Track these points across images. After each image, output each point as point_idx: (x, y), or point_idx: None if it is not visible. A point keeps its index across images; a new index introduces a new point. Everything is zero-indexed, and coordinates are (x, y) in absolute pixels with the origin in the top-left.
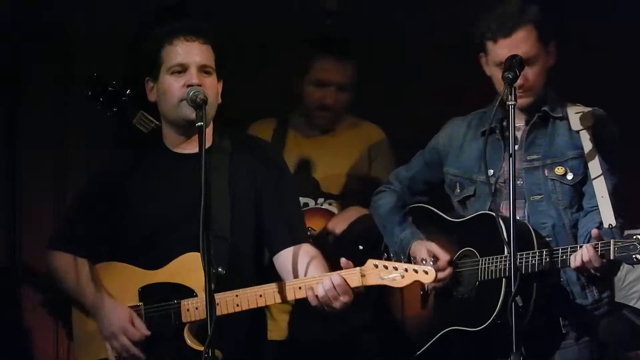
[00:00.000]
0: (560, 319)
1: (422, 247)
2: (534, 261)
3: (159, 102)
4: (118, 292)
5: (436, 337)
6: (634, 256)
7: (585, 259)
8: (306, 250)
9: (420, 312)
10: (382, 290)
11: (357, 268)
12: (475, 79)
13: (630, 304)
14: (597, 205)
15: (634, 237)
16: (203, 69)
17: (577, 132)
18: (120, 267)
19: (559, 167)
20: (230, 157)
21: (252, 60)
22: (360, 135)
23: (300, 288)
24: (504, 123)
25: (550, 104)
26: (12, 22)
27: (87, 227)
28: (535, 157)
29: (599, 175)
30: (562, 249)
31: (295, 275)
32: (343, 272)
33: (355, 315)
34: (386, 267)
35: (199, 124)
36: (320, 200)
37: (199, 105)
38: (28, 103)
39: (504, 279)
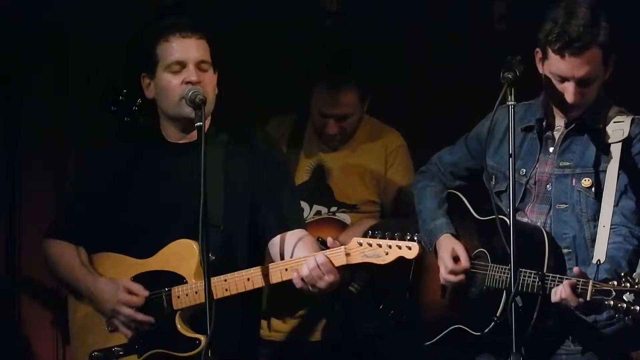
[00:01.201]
0: (570, 338)
1: (448, 246)
2: (529, 281)
3: (157, 99)
4: None
5: (444, 332)
6: (606, 302)
7: (563, 296)
8: (294, 232)
9: (439, 301)
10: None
11: (342, 247)
12: (475, 78)
13: None
14: (617, 224)
15: (610, 282)
16: (200, 65)
17: (610, 144)
18: (114, 257)
19: (586, 179)
20: (226, 147)
21: (252, 61)
22: (377, 144)
23: (286, 270)
24: (544, 123)
25: (592, 112)
26: (12, 22)
27: (83, 217)
28: (567, 164)
29: (610, 199)
30: (558, 277)
31: (282, 256)
32: (327, 252)
33: (374, 322)
34: (370, 245)
35: (199, 124)
36: (334, 208)
37: (197, 105)
38: (28, 103)
39: (504, 292)
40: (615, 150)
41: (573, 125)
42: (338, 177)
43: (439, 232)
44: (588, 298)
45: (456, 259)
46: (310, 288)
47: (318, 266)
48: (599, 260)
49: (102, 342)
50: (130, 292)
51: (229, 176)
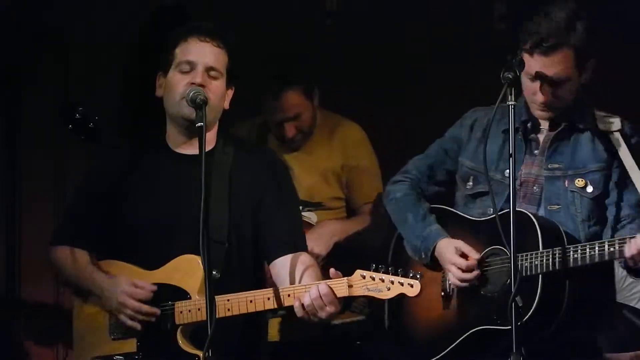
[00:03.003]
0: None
1: (450, 246)
2: (575, 255)
3: (164, 98)
4: None
5: (464, 336)
6: None
7: None
8: (302, 260)
9: (442, 314)
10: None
11: (345, 278)
12: (475, 78)
13: (631, 305)
14: (627, 216)
15: None
16: (210, 71)
17: (607, 134)
18: (119, 266)
19: (580, 179)
20: (232, 162)
21: (252, 60)
22: (334, 139)
23: (289, 295)
24: (528, 125)
25: (578, 114)
26: (12, 22)
27: (87, 224)
28: (557, 166)
29: (638, 176)
30: (608, 242)
31: (291, 284)
32: (330, 282)
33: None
34: (373, 279)
35: (199, 124)
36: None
37: (198, 105)
38: (28, 103)
39: (540, 276)
40: (616, 139)
41: (561, 128)
42: (301, 176)
43: (435, 236)
44: None
45: (464, 256)
46: (311, 317)
47: (320, 296)
48: None
49: (105, 350)
50: (136, 286)
51: (234, 193)
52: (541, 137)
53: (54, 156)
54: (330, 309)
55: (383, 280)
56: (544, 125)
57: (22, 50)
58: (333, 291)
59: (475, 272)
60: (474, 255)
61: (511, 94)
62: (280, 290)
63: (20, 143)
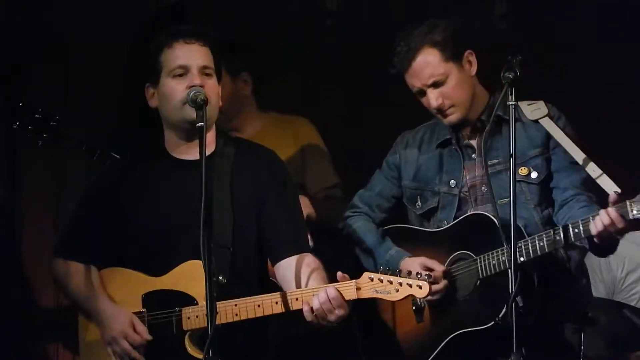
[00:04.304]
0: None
1: (414, 263)
2: (541, 243)
3: (160, 107)
4: (122, 298)
5: (443, 343)
6: None
7: (607, 221)
8: (308, 262)
9: (416, 327)
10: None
11: (353, 281)
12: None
13: (631, 305)
14: (574, 195)
15: None
16: (204, 71)
17: (537, 120)
18: (124, 273)
19: (523, 168)
20: (232, 164)
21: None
22: (288, 130)
23: (297, 299)
24: (460, 133)
25: (502, 107)
26: (11, 22)
27: (89, 234)
28: (495, 161)
29: (580, 155)
30: (571, 224)
31: (298, 286)
32: (338, 285)
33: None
34: (381, 281)
35: (200, 124)
36: None
37: (199, 105)
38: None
39: (509, 270)
40: (548, 123)
41: (490, 125)
42: None
43: (398, 258)
44: (631, 216)
45: (429, 269)
46: (320, 321)
47: (329, 300)
48: (615, 192)
49: (112, 358)
50: (134, 330)
51: (236, 194)
52: (473, 142)
53: (54, 156)
54: (339, 312)
55: (391, 282)
56: (467, 131)
57: (22, 50)
58: (341, 294)
59: (443, 282)
60: (438, 267)
61: (512, 94)
62: (288, 295)
63: (20, 143)
